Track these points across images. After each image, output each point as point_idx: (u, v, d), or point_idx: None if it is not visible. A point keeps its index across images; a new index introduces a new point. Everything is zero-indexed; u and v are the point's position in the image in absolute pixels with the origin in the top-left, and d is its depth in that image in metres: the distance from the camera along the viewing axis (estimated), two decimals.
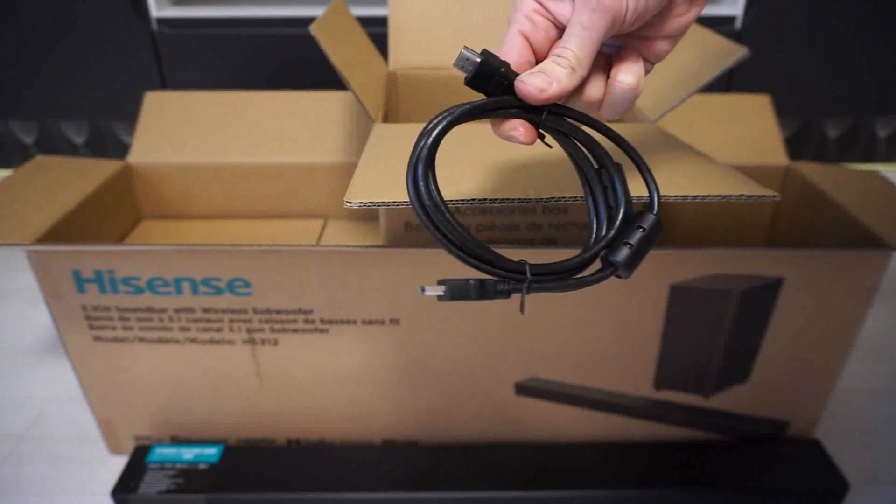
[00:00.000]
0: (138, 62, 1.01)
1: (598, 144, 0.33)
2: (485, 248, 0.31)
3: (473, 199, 0.37)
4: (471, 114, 0.30)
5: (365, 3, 1.00)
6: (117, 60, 1.01)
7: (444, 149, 0.43)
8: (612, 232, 0.32)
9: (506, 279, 0.31)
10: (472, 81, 0.31)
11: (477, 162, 0.42)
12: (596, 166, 0.33)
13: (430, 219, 0.30)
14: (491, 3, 0.72)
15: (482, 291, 0.31)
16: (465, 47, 0.31)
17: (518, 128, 0.32)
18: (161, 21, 1.00)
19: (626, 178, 0.33)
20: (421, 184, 0.30)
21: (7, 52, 1.00)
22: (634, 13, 0.31)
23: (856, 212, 0.55)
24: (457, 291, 0.31)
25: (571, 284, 0.32)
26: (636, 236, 0.32)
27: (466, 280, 0.31)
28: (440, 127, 0.30)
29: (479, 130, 0.50)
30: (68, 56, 1.00)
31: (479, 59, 0.30)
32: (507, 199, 0.37)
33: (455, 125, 0.30)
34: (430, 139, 0.30)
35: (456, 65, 0.31)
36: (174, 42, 1.00)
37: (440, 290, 0.31)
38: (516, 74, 0.31)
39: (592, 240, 0.33)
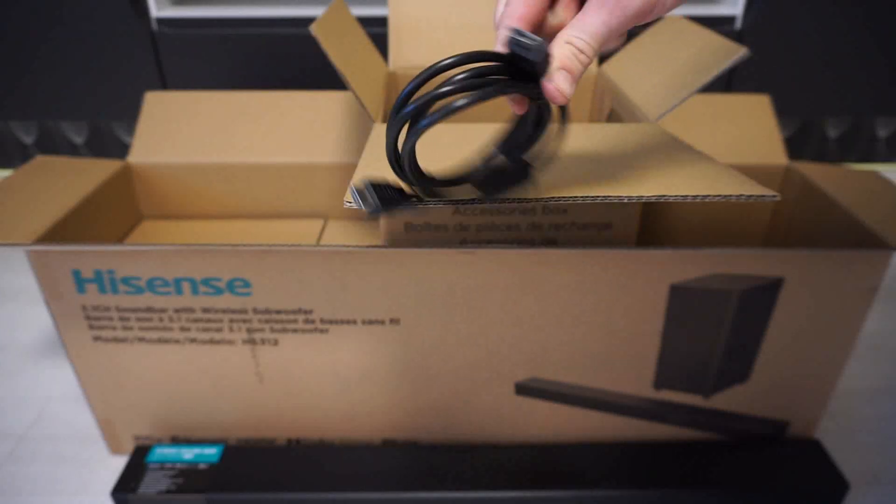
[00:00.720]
0: (138, 62, 1.01)
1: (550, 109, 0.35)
2: (417, 171, 0.34)
3: (474, 199, 0.37)
4: (483, 99, 0.31)
5: (365, 3, 1.00)
6: (117, 60, 1.01)
7: (445, 148, 0.44)
8: (486, 167, 0.35)
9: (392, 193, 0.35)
10: (510, 58, 0.32)
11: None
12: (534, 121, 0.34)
13: (398, 161, 0.33)
14: (491, 3, 0.72)
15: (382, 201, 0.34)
16: (520, 31, 0.31)
17: (516, 102, 0.34)
18: (161, 21, 1.00)
19: (539, 138, 0.35)
20: (402, 147, 0.32)
21: (7, 52, 1.00)
22: (653, 14, 0.33)
23: (856, 212, 0.55)
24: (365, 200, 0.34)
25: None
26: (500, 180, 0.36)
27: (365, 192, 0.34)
28: (457, 105, 0.30)
29: (480, 130, 0.50)
30: (68, 56, 1.00)
31: (533, 55, 0.30)
32: (507, 199, 0.37)
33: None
34: (436, 118, 0.31)
35: (510, 45, 0.31)
36: (174, 42, 1.00)
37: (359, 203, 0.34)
38: (545, 68, 0.31)
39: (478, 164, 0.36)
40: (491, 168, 0.35)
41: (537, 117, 0.34)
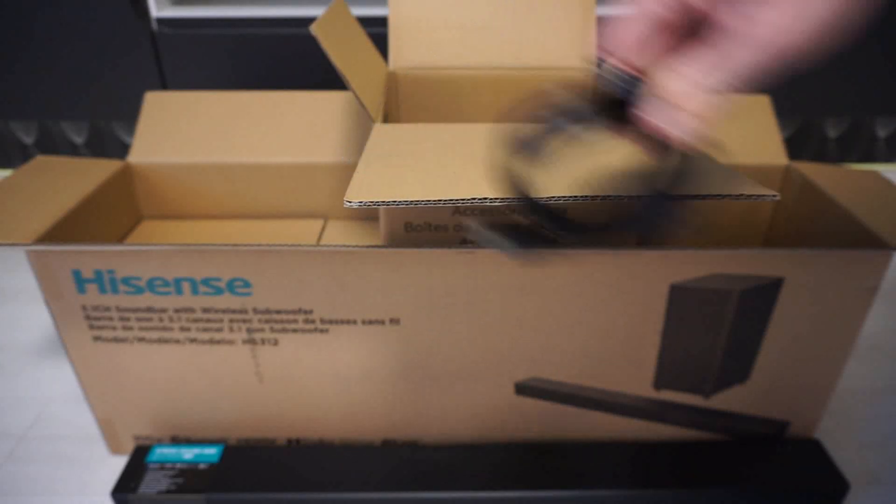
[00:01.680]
0: (138, 62, 1.01)
1: None
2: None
3: (473, 199, 0.37)
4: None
5: (365, 3, 1.00)
6: (117, 60, 1.01)
7: (445, 148, 0.44)
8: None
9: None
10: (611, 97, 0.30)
11: (477, 161, 0.42)
12: None
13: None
14: (491, 3, 0.72)
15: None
16: (616, 66, 0.30)
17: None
18: (161, 21, 1.00)
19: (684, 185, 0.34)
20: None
21: (7, 52, 1.00)
22: None
23: (856, 212, 0.55)
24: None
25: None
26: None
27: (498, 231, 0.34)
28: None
29: (480, 130, 0.50)
30: (68, 56, 1.00)
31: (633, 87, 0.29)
32: (507, 199, 0.37)
33: None
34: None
35: (600, 73, 0.30)
36: (174, 42, 1.00)
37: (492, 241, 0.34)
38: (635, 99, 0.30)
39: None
40: (653, 212, 0.32)
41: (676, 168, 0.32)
